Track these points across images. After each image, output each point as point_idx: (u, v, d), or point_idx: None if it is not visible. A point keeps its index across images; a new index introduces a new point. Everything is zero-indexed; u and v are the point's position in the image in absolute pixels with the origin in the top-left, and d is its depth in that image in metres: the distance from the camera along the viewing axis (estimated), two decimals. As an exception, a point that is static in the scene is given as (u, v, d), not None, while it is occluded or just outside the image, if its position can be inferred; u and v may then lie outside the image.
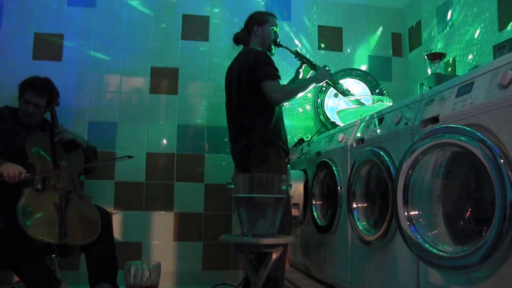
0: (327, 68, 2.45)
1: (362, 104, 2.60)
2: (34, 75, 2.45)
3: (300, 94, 2.35)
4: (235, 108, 2.31)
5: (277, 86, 2.20)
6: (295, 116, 3.20)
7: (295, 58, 2.60)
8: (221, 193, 2.95)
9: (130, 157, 2.40)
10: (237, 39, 2.48)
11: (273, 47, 2.46)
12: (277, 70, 2.24)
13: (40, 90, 2.40)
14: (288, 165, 2.64)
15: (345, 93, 2.62)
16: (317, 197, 2.47)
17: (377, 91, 3.20)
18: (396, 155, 1.62)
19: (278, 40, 2.47)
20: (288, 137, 2.50)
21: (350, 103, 2.64)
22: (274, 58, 2.35)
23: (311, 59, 2.61)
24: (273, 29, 2.43)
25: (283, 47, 2.52)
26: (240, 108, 2.28)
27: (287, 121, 2.64)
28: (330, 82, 2.53)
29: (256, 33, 2.40)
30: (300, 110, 3.21)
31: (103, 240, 2.23)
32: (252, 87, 2.20)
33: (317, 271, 2.43)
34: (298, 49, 2.78)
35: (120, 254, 2.41)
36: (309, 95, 3.21)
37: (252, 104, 2.23)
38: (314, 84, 2.41)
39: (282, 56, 2.83)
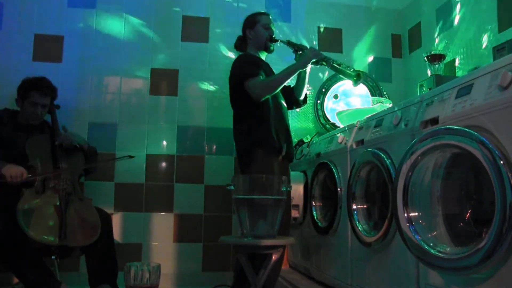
0: (312, 49, 2.33)
1: (361, 80, 2.29)
2: (30, 76, 2.43)
3: (284, 83, 2.25)
4: (233, 111, 2.38)
5: (256, 82, 2.20)
6: (295, 118, 3.19)
7: (289, 47, 2.49)
8: (221, 194, 2.95)
9: (130, 156, 2.41)
10: (236, 47, 2.53)
11: (270, 44, 2.44)
12: (257, 67, 2.25)
13: (46, 90, 2.41)
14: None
15: (340, 69, 2.31)
16: (317, 198, 2.47)
17: (377, 92, 3.20)
18: (396, 157, 1.62)
19: (273, 36, 2.44)
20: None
21: (350, 80, 2.34)
22: (271, 57, 2.34)
23: (304, 45, 2.48)
24: (265, 25, 2.41)
25: (279, 41, 2.45)
26: (234, 111, 2.36)
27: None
28: (320, 61, 2.30)
29: (249, 37, 2.43)
30: (299, 111, 3.21)
31: (103, 241, 2.23)
32: (238, 90, 2.25)
33: (317, 272, 2.42)
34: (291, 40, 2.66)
35: (120, 256, 2.41)
36: (308, 92, 3.20)
37: (241, 106, 2.30)
38: (299, 70, 2.29)
39: (280, 55, 2.80)
